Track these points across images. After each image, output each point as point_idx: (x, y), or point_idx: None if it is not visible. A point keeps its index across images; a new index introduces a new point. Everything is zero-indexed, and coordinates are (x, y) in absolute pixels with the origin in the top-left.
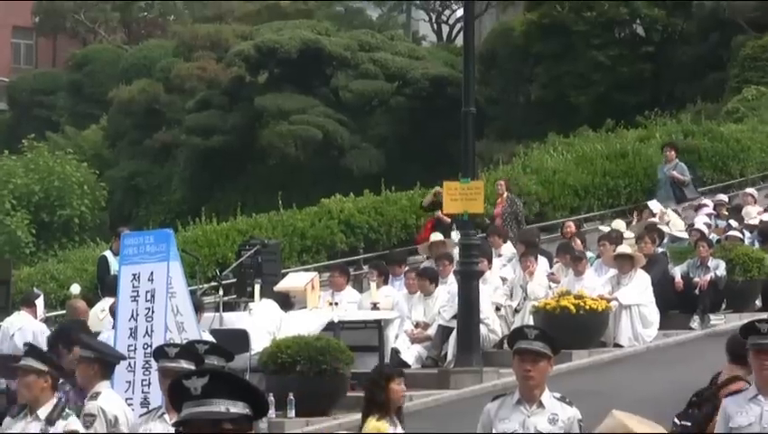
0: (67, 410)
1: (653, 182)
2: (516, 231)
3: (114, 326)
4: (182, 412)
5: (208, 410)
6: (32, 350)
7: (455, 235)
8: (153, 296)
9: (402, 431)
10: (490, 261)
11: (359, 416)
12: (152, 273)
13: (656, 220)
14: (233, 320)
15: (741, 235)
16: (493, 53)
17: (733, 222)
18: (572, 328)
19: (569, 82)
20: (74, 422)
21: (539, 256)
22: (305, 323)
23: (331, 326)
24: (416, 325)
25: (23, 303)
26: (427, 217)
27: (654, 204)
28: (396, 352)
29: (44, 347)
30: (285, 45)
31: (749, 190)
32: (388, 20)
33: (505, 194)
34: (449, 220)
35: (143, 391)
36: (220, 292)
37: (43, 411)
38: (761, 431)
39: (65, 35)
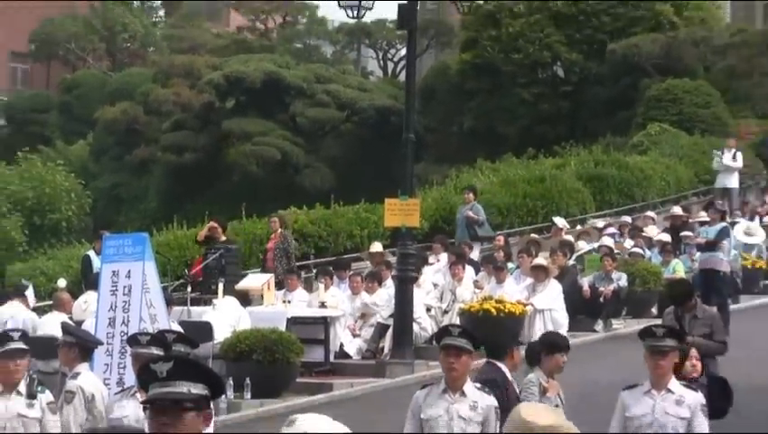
0: (41, 386)
1: (567, 203)
2: (286, 265)
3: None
4: (149, 392)
5: (171, 391)
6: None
7: None
8: (129, 290)
9: None
10: (419, 270)
11: (307, 398)
12: (129, 271)
13: (568, 238)
14: (199, 313)
15: (642, 252)
16: (432, 88)
17: (631, 241)
18: (493, 328)
19: (498, 115)
20: (50, 395)
21: (467, 265)
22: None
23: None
24: (356, 320)
25: (14, 294)
26: (201, 252)
27: (559, 220)
28: (341, 344)
29: (32, 333)
30: (250, 76)
31: (649, 213)
32: (341, 56)
33: (279, 231)
34: None
35: (119, 373)
36: (189, 289)
37: (23, 387)
38: (653, 420)
39: (58, 61)
